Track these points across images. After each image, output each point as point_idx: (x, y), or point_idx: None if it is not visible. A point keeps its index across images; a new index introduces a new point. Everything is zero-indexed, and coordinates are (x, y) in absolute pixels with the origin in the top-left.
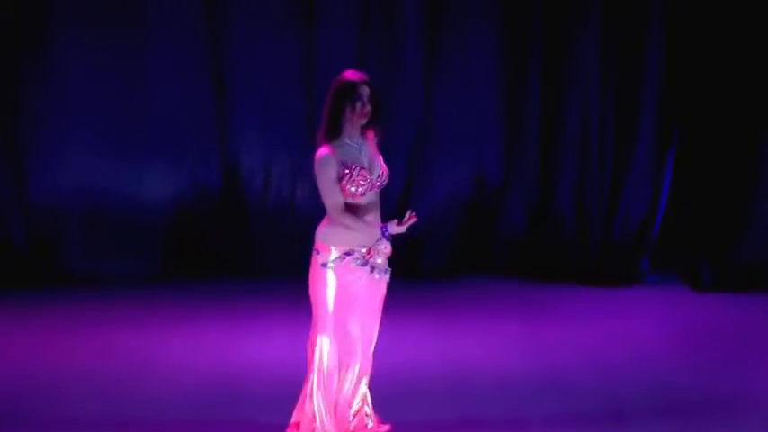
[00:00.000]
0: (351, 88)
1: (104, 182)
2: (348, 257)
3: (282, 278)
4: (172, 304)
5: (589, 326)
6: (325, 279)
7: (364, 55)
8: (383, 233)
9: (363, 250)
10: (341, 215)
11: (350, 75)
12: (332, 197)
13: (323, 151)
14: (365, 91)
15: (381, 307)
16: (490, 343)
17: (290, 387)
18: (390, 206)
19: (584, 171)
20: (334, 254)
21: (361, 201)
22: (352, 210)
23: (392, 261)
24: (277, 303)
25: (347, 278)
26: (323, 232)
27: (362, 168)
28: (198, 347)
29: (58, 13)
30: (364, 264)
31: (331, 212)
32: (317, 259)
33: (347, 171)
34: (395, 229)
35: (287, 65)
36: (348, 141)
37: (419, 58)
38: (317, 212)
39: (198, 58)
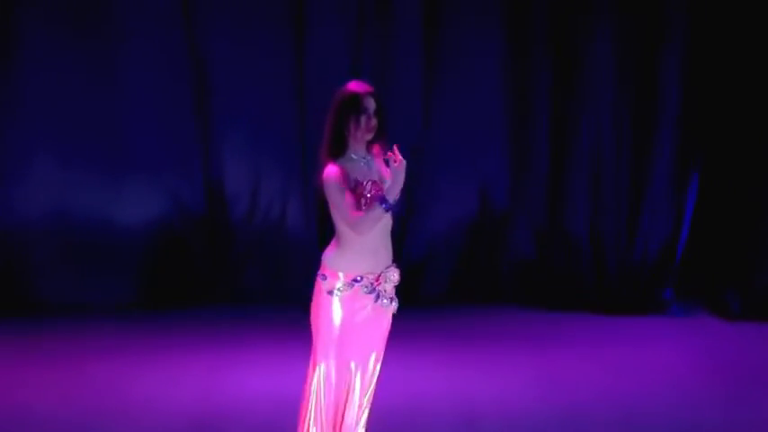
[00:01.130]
0: (356, 101)
1: (75, 202)
2: (356, 284)
3: (270, 306)
4: (150, 334)
5: (606, 359)
6: (330, 307)
7: (358, 64)
8: (383, 203)
9: (372, 277)
10: (360, 225)
11: (354, 86)
12: (347, 212)
13: (331, 169)
14: (371, 104)
15: (386, 339)
16: (497, 377)
17: (279, 424)
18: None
19: (598, 191)
20: (341, 281)
21: None
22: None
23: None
24: (264, 333)
25: (353, 306)
26: (331, 257)
27: (374, 182)
28: (178, 381)
29: (21, 20)
30: (371, 291)
31: (353, 227)
32: (322, 286)
33: (362, 191)
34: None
35: (276, 74)
36: (355, 157)
37: (417, 70)
38: (309, 235)
39: (178, 67)
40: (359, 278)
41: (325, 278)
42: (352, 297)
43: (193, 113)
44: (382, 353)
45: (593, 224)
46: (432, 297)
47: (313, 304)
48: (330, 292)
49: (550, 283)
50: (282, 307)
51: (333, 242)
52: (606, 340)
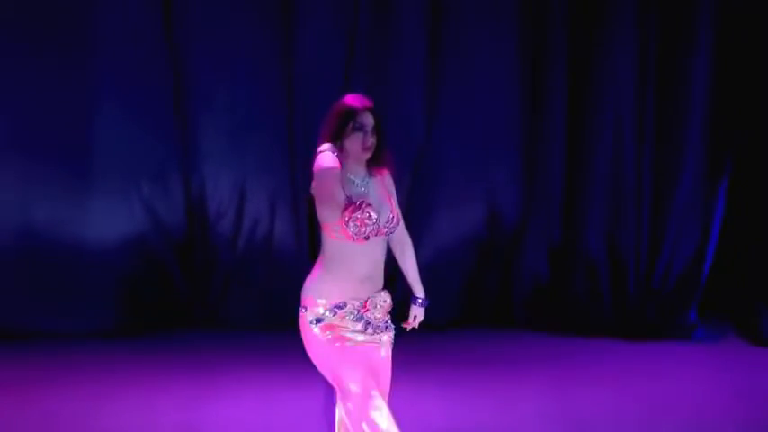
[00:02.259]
0: (352, 116)
1: (40, 221)
2: (340, 311)
3: (256, 332)
4: (124, 364)
5: (626, 389)
6: (319, 336)
7: (352, 69)
8: (416, 301)
9: (358, 303)
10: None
11: (351, 100)
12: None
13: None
14: (368, 120)
15: (389, 375)
16: (509, 409)
17: None
18: (390, 252)
19: (617, 207)
20: (323, 307)
21: (364, 246)
22: (350, 255)
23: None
24: (249, 362)
25: (343, 331)
26: (310, 286)
27: (369, 205)
28: (153, 415)
29: None
30: (359, 319)
31: (331, 213)
32: (305, 318)
33: (352, 205)
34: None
35: (262, 74)
36: (351, 177)
37: (419, 76)
38: (299, 255)
39: (154, 66)
40: (342, 304)
41: (305, 309)
42: (340, 323)
43: (171, 118)
44: (387, 389)
45: (611, 241)
46: (435, 323)
47: (305, 343)
48: (313, 322)
49: (566, 306)
50: (269, 334)
51: (315, 269)
52: (626, 369)
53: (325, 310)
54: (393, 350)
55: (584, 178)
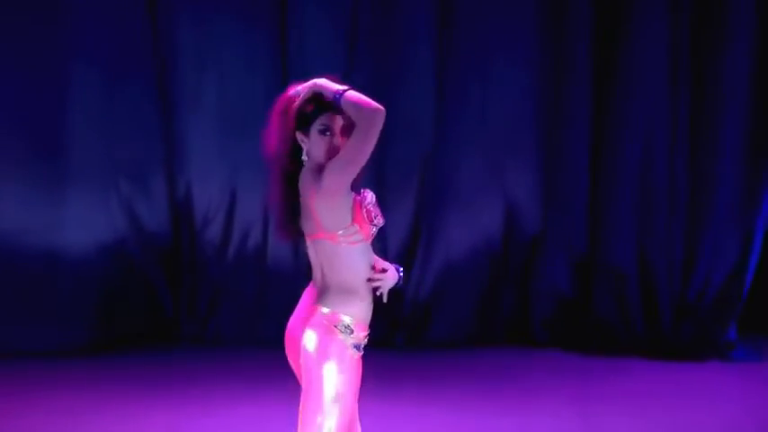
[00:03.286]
0: (312, 114)
1: (7, 227)
2: (365, 341)
3: (246, 351)
4: (104, 386)
5: (658, 413)
6: (356, 368)
7: (353, 63)
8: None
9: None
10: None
11: (314, 98)
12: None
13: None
14: (335, 120)
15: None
16: None
17: None
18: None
19: (648, 215)
20: (363, 334)
21: (364, 248)
22: (366, 262)
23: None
24: (238, 383)
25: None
26: (346, 300)
27: (365, 189)
28: None
29: None
30: (358, 347)
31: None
32: (340, 340)
33: (356, 195)
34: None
35: (256, 72)
36: None
37: (426, 74)
38: (297, 266)
39: (135, 55)
40: (368, 331)
41: (350, 332)
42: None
43: (154, 113)
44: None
45: (641, 252)
46: (445, 341)
47: (329, 363)
48: (358, 347)
49: (591, 323)
50: (260, 353)
51: (331, 281)
52: (658, 392)
53: (364, 335)
54: (389, 369)
55: (610, 184)
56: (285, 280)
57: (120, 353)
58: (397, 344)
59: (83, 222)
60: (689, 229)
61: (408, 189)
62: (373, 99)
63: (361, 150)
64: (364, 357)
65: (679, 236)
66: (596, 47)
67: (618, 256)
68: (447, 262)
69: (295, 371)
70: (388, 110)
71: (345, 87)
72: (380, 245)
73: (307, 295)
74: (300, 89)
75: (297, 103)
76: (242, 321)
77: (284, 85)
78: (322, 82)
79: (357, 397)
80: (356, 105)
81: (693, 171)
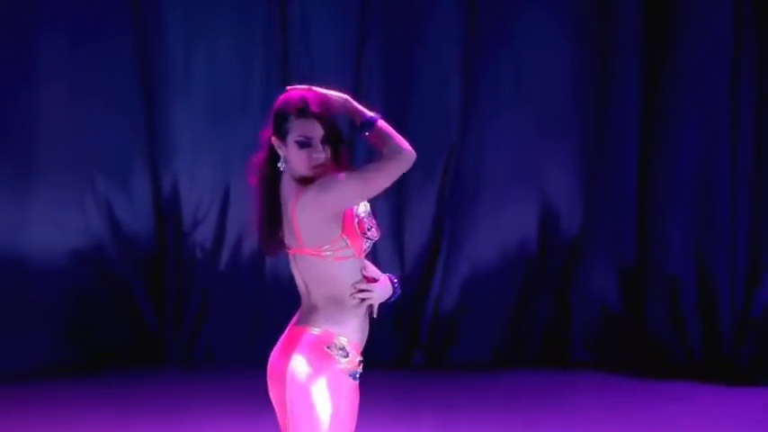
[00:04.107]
0: (288, 125)
1: None
2: (361, 365)
3: (239, 372)
4: (74, 412)
5: None
6: (353, 396)
7: (365, 42)
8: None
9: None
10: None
11: (291, 99)
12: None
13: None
14: (315, 130)
15: None
16: None
17: None
18: (414, 273)
19: (706, 217)
20: (359, 359)
21: (354, 263)
22: (348, 273)
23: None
24: (230, 407)
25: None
26: (339, 318)
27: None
28: None
29: None
30: (354, 375)
31: (409, 157)
32: (334, 364)
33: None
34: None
35: (252, 55)
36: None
37: (451, 55)
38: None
39: (114, 38)
40: (362, 358)
41: (344, 354)
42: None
43: (135, 99)
44: None
45: (699, 260)
46: (471, 361)
47: (321, 392)
48: (354, 376)
49: (640, 341)
50: (257, 375)
51: (318, 299)
52: (717, 421)
53: (360, 361)
54: (417, 393)
55: (663, 180)
56: (286, 291)
57: (95, 375)
58: (415, 364)
59: (52, 224)
60: (754, 236)
61: (429, 184)
62: (390, 78)
63: (374, 186)
64: (361, 386)
65: (742, 243)
66: (647, 27)
67: (672, 264)
68: (473, 269)
69: (278, 413)
70: (408, 95)
71: (376, 115)
72: (396, 248)
73: (294, 324)
74: (329, 95)
75: (277, 102)
76: (236, 339)
77: (285, 64)
78: (354, 102)
79: None
80: (388, 139)
81: (759, 171)
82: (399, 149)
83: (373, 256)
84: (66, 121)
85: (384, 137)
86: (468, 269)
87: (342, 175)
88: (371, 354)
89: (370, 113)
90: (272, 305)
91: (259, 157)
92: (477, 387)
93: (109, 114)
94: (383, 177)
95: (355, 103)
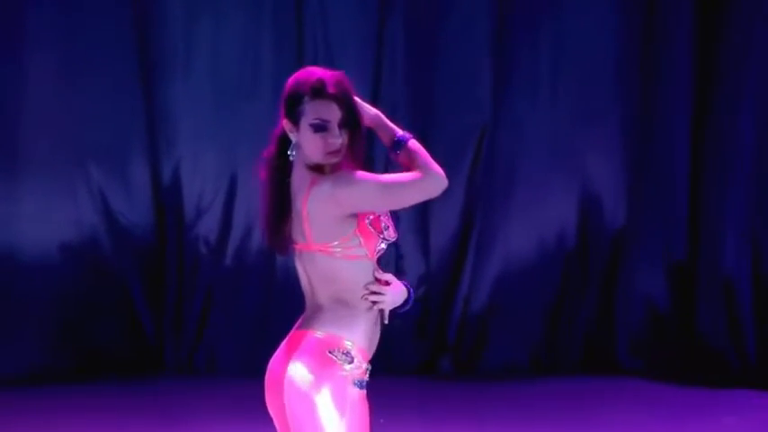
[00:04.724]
0: (301, 107)
1: None
2: (368, 374)
3: (244, 380)
4: (61, 425)
5: None
6: (361, 407)
7: (387, 14)
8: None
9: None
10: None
11: (306, 79)
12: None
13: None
14: (333, 113)
15: None
16: None
17: None
18: (441, 270)
19: (765, 210)
20: (366, 366)
21: (366, 265)
22: (358, 273)
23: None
24: (234, 419)
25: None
26: (345, 321)
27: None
28: None
29: None
30: (361, 384)
31: (441, 182)
32: (337, 370)
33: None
34: None
35: (262, 28)
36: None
37: (482, 29)
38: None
39: (105, 9)
40: (369, 366)
41: (349, 360)
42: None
43: (131, 77)
44: None
45: (757, 258)
46: (504, 367)
47: (325, 401)
48: (359, 385)
49: (691, 345)
50: (263, 383)
51: (324, 299)
52: None
53: (366, 368)
54: (445, 402)
55: (718, 169)
56: (297, 291)
57: (87, 382)
58: (443, 371)
59: (41, 217)
60: None
61: (458, 172)
62: (413, 54)
63: (395, 200)
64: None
65: None
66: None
67: (726, 261)
68: (506, 266)
69: (278, 427)
70: (432, 75)
71: (409, 134)
72: (420, 243)
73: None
74: (360, 103)
75: (290, 81)
76: (241, 344)
77: (299, 41)
78: (385, 119)
79: None
80: (418, 160)
81: None
82: (431, 171)
83: (395, 251)
84: (56, 104)
85: (415, 158)
86: (500, 266)
87: (363, 174)
88: (393, 359)
89: (401, 132)
90: (282, 307)
91: (269, 150)
92: (511, 396)
93: (103, 97)
94: (408, 193)
95: (387, 120)
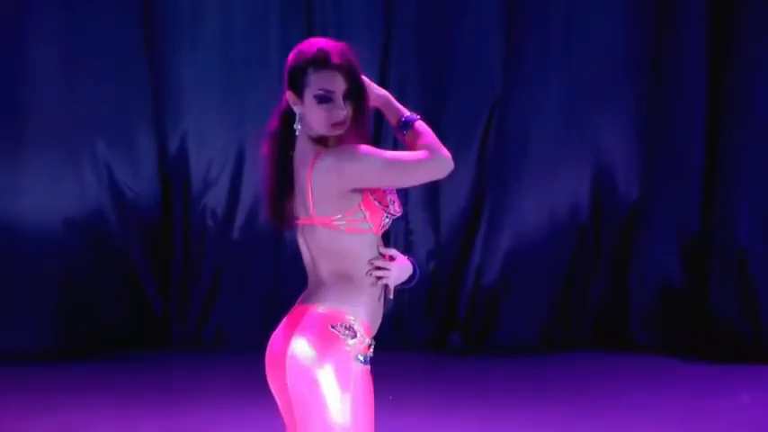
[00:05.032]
0: (305, 78)
1: None
2: (371, 351)
3: (253, 355)
4: (72, 400)
5: None
6: (366, 382)
7: None
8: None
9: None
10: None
11: (309, 50)
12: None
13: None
14: (338, 83)
15: None
16: None
17: None
18: (451, 245)
19: None
20: (369, 341)
21: (370, 239)
22: (362, 247)
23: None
24: (242, 395)
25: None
26: (348, 295)
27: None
28: None
29: None
30: (365, 359)
31: (448, 163)
32: (341, 345)
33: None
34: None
35: (267, 1)
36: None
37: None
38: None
39: None
40: (373, 341)
41: (351, 334)
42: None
43: (137, 47)
44: None
45: None
46: (515, 344)
47: (328, 377)
48: (364, 360)
49: (707, 320)
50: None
51: (326, 274)
52: None
53: (370, 348)
54: (456, 378)
55: (735, 139)
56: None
57: (93, 359)
58: (453, 347)
59: (46, 190)
60: None
61: (469, 145)
62: (423, 27)
63: (400, 177)
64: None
65: None
66: None
67: (741, 235)
68: (518, 241)
69: (280, 405)
70: (442, 46)
71: (416, 115)
72: (430, 217)
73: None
74: (368, 83)
75: (293, 53)
76: (250, 319)
77: (308, 10)
78: (393, 100)
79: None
80: (425, 141)
81: None
82: (438, 153)
83: (405, 225)
84: (60, 76)
85: (423, 139)
86: (511, 240)
87: (369, 149)
88: (402, 335)
89: (409, 113)
90: (292, 280)
91: (272, 124)
92: (522, 373)
93: (108, 68)
94: (413, 172)
95: (395, 101)
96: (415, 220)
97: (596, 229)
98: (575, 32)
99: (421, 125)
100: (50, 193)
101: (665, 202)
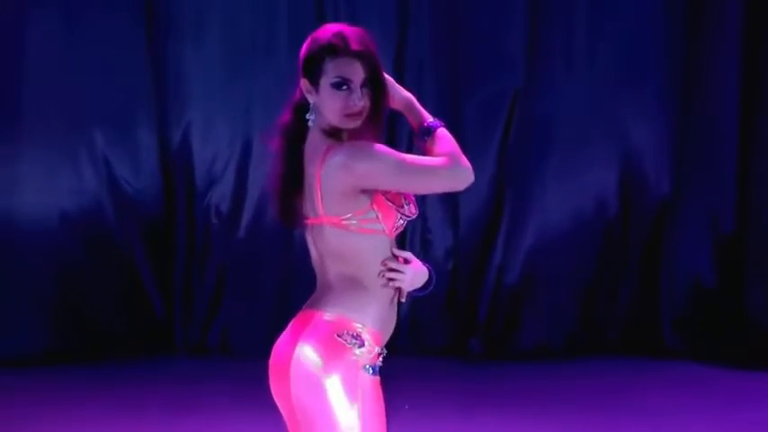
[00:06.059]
0: (322, 65)
1: None
2: (379, 360)
3: (259, 362)
4: (71, 407)
5: None
6: (375, 393)
7: None
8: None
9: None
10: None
11: (327, 35)
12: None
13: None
14: (356, 71)
15: None
16: None
17: None
18: (470, 244)
19: None
20: (378, 349)
21: (382, 241)
22: (374, 249)
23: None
24: (248, 403)
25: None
26: (357, 302)
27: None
28: None
29: None
30: (375, 371)
31: (467, 173)
32: (348, 354)
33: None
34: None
35: None
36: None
37: None
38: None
39: None
40: (384, 350)
41: (359, 342)
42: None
43: (138, 35)
44: None
45: None
46: (537, 349)
47: (334, 388)
48: (373, 370)
49: (743, 324)
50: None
51: (334, 278)
52: None
53: (380, 357)
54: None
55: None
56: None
57: (92, 363)
58: (472, 353)
59: (41, 185)
60: None
61: (489, 138)
62: (441, 11)
63: (413, 183)
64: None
65: None
66: None
67: None
68: (541, 239)
69: (283, 412)
70: (459, 33)
71: (439, 121)
72: (449, 214)
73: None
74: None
75: (309, 39)
76: (256, 324)
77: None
78: (417, 104)
79: None
80: (446, 149)
81: None
82: (458, 162)
83: (422, 223)
84: (59, 65)
85: (444, 146)
86: (534, 238)
87: (384, 149)
88: (420, 340)
89: (432, 119)
90: (302, 282)
91: (284, 117)
92: (545, 381)
93: (108, 58)
94: (430, 179)
95: (418, 105)
96: (433, 216)
97: (624, 226)
98: (600, 19)
99: (443, 132)
100: (46, 188)
101: (698, 197)
